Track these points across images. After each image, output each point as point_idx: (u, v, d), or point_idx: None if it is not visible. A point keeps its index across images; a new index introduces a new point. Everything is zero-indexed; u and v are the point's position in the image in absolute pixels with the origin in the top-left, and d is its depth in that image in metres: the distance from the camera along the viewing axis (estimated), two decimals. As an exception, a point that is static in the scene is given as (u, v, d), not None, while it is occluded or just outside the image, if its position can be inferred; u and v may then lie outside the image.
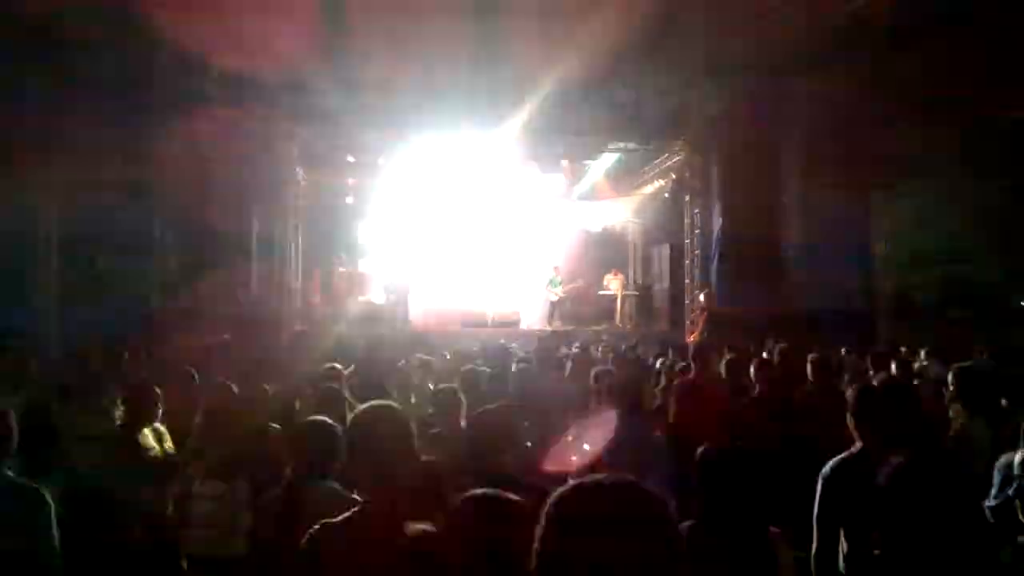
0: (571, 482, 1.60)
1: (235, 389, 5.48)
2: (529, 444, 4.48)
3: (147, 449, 5.27)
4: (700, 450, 3.18)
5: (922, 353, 9.02)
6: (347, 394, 5.76)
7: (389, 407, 2.63)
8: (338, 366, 6.86)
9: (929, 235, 17.46)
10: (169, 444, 5.44)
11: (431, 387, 7.33)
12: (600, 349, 11.44)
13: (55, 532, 3.31)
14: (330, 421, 3.65)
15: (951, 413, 4.87)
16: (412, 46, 16.07)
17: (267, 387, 6.08)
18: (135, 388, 5.57)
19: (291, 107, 16.01)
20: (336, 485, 3.33)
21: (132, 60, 15.08)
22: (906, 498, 2.48)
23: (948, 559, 2.42)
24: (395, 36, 15.74)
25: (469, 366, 7.25)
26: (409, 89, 16.33)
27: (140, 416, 5.31)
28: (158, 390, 5.47)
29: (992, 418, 4.36)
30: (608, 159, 19.84)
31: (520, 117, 16.79)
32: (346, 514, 2.43)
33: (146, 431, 5.33)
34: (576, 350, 11.16)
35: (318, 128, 16.74)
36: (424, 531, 2.37)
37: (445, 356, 10.37)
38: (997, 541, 3.21)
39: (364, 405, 2.65)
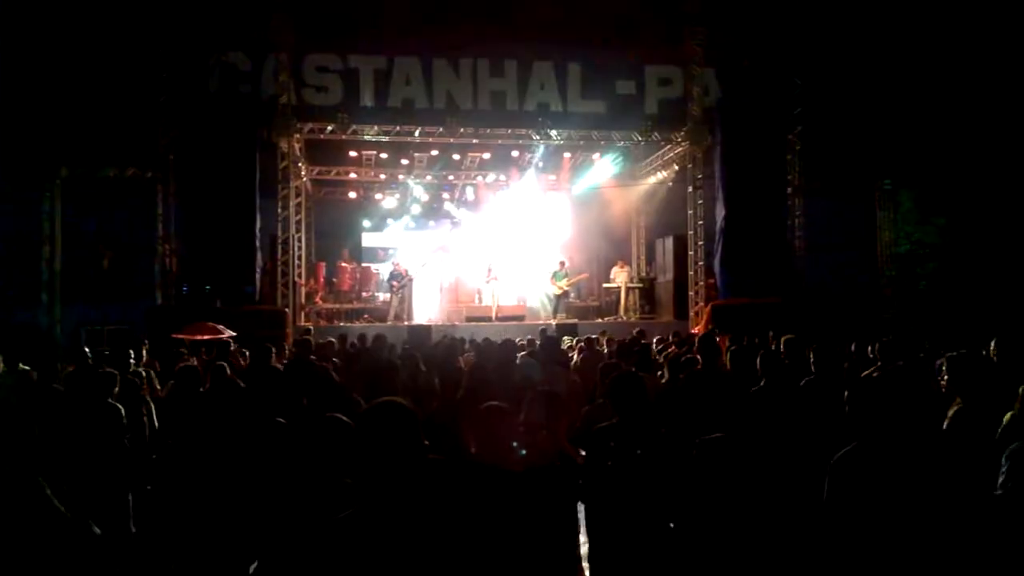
0: None
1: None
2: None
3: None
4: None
5: (926, 343, 9.01)
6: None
7: (396, 404, 2.63)
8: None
9: (932, 226, 17.47)
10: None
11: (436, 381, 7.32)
12: (605, 342, 11.45)
13: (62, 523, 3.36)
14: (342, 417, 3.66)
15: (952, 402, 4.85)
16: (412, 40, 16.12)
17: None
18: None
19: (295, 100, 16.05)
20: (347, 480, 3.35)
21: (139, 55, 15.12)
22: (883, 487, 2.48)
23: (943, 544, 2.42)
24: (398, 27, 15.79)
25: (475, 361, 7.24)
26: (410, 84, 16.36)
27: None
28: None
29: (990, 406, 4.35)
30: (613, 155, 19.94)
31: (524, 112, 16.86)
32: (350, 511, 2.44)
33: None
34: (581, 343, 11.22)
35: (321, 123, 16.75)
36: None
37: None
38: (999, 526, 3.21)
39: (372, 402, 2.66)
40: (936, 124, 16.86)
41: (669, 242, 19.34)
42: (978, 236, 16.96)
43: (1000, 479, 3.72)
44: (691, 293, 17.79)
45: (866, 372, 6.61)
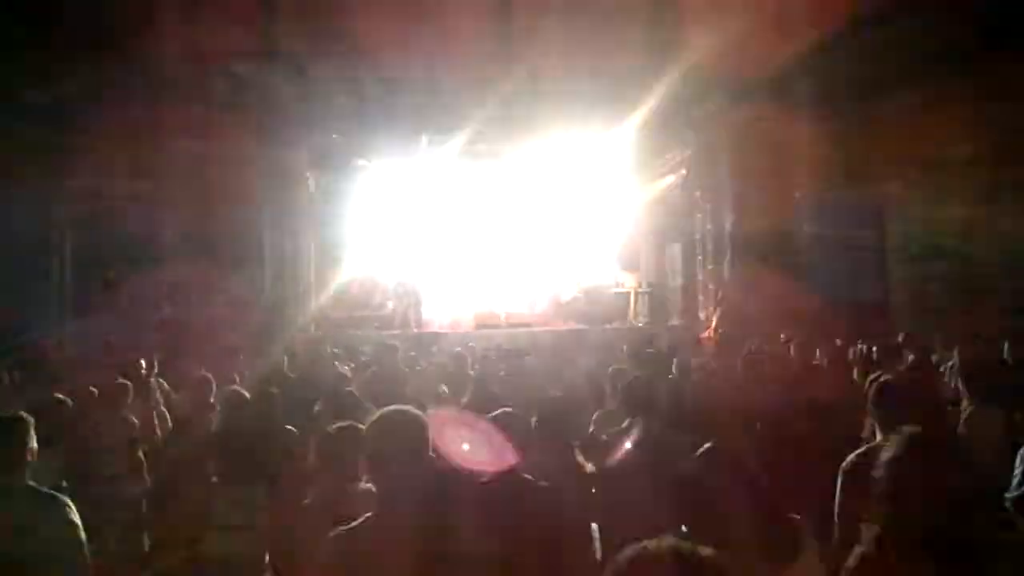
0: (636, 546, 1.60)
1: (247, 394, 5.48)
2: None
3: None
4: (702, 449, 3.20)
5: (937, 344, 8.96)
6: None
7: (405, 412, 2.63)
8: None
9: (943, 228, 17.37)
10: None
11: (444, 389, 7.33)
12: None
13: (83, 539, 3.35)
14: (359, 425, 3.66)
15: (964, 403, 4.83)
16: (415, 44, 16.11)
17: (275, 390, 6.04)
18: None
19: (301, 111, 16.07)
20: (363, 487, 3.35)
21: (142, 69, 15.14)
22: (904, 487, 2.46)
23: (953, 548, 2.40)
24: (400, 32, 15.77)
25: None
26: (415, 91, 16.37)
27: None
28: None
29: (1002, 408, 4.33)
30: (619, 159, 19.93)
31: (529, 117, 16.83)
32: (363, 518, 2.44)
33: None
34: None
35: (329, 132, 16.77)
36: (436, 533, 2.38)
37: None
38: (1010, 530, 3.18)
39: (382, 410, 2.66)
40: (946, 124, 16.77)
41: (677, 247, 19.31)
42: (989, 238, 16.85)
43: (1014, 481, 3.70)
44: (700, 298, 17.74)
45: (875, 375, 6.59)
